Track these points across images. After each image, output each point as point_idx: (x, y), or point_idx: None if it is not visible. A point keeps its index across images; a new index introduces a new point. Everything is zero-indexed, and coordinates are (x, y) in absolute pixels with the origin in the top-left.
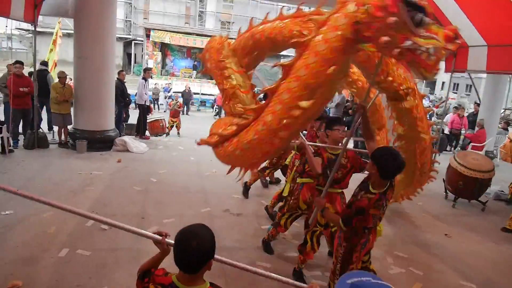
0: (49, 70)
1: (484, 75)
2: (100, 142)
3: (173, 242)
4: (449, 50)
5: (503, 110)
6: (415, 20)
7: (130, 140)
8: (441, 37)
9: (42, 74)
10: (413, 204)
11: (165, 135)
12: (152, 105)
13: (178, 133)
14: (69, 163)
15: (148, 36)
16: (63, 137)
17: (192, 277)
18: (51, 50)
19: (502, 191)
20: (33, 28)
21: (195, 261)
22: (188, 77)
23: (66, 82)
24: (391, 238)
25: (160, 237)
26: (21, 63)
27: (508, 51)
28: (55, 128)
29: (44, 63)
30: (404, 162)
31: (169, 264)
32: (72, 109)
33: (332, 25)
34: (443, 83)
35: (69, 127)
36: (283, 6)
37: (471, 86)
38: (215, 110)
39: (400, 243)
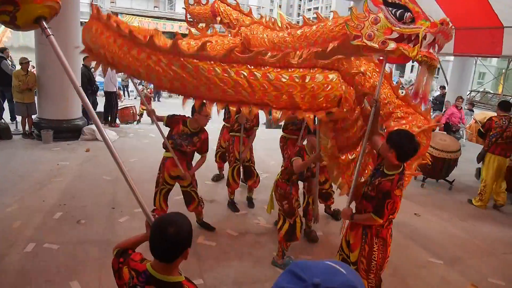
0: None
1: (452, 58)
2: (67, 132)
3: None
4: (433, 33)
5: (469, 92)
6: (397, 15)
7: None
8: (425, 26)
9: None
10: None
11: (135, 122)
12: (121, 92)
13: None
14: (34, 154)
15: None
16: (27, 127)
17: (167, 266)
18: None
19: None
20: None
21: (171, 248)
22: None
23: (29, 69)
24: None
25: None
26: None
27: (475, 34)
28: (18, 118)
29: (1, 50)
30: (419, 143)
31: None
32: (36, 98)
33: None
34: (412, 66)
35: (34, 116)
36: None
37: (439, 69)
38: None
39: None
